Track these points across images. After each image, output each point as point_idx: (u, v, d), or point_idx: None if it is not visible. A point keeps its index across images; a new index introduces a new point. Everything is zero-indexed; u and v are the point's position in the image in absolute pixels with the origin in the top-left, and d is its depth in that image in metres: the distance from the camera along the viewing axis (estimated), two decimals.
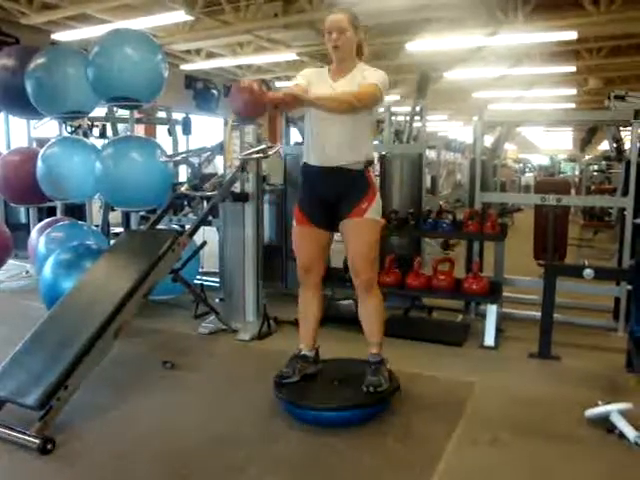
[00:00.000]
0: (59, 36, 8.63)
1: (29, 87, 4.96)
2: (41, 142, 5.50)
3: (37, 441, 2.51)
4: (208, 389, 3.30)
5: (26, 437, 2.55)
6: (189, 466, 2.48)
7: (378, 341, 2.99)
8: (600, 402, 2.83)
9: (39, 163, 5.07)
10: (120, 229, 5.59)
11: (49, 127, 5.99)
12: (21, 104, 5.17)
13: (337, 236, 3.04)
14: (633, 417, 2.73)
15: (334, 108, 2.77)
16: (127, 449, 2.62)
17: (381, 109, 5.48)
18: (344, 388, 2.95)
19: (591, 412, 2.82)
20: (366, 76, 2.84)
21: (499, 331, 4.09)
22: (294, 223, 3.05)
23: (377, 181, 3.10)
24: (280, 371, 3.03)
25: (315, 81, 2.93)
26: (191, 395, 3.22)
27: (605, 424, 2.75)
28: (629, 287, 3.94)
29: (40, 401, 2.61)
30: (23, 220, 7.12)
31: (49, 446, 2.53)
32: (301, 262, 3.05)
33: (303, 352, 3.09)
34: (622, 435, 2.66)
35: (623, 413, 2.74)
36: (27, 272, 6.10)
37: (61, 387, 2.68)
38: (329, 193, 2.91)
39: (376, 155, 6.39)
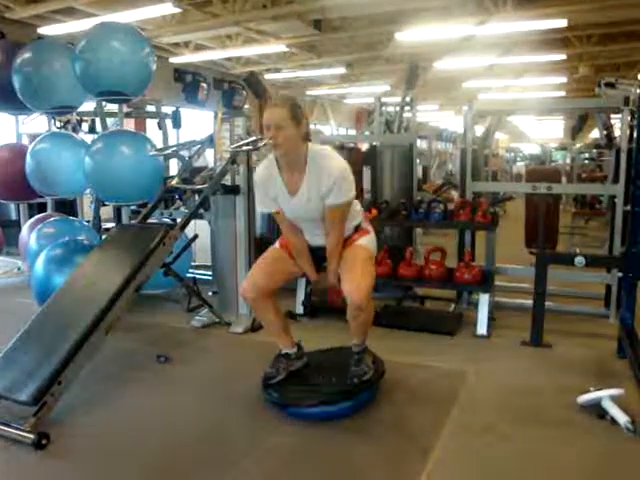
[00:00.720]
0: (45, 30, 8.54)
1: (16, 82, 4.92)
2: (34, 137, 5.46)
3: (32, 436, 2.51)
4: (202, 382, 3.30)
5: (20, 433, 2.55)
6: (182, 460, 2.48)
7: (364, 337, 2.95)
8: (592, 388, 2.86)
9: (28, 159, 5.03)
10: (111, 224, 5.56)
11: (38, 122, 5.95)
12: (9, 99, 5.12)
13: None
14: (624, 403, 2.76)
15: (340, 242, 2.84)
16: (121, 444, 2.62)
17: (371, 99, 5.48)
18: (330, 381, 2.93)
19: (583, 398, 2.84)
20: (327, 192, 2.69)
21: (491, 320, 4.11)
22: (276, 245, 3.03)
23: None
24: (265, 372, 3.01)
25: (277, 196, 2.82)
26: (185, 389, 3.22)
27: (597, 410, 2.77)
28: (620, 274, 3.96)
29: (34, 397, 2.61)
30: (13, 217, 7.08)
31: (44, 441, 2.53)
32: (257, 282, 2.88)
33: (284, 351, 3.05)
34: (613, 420, 2.69)
35: (614, 399, 2.76)
36: (19, 269, 6.08)
37: (54, 383, 2.68)
38: (321, 254, 2.93)
39: (366, 146, 6.42)
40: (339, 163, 2.73)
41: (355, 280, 2.72)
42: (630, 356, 3.31)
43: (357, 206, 2.95)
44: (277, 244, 3.04)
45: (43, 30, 8.52)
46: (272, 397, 2.90)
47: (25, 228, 5.47)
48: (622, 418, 2.66)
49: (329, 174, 2.67)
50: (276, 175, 2.80)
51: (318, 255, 2.96)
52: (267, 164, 2.86)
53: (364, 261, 2.83)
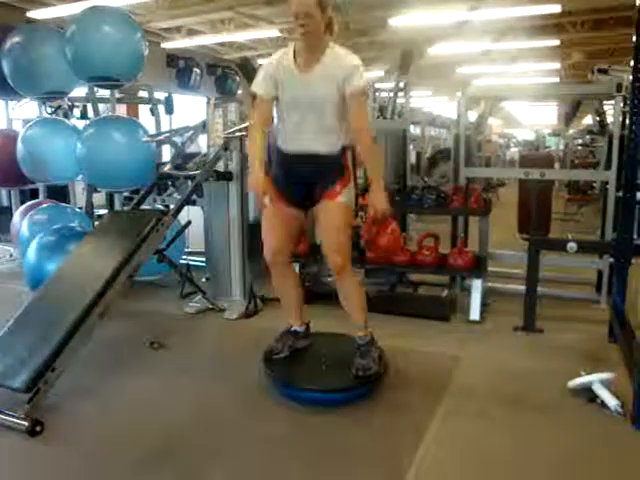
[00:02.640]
0: (34, 14, 8.43)
1: (6, 67, 4.88)
2: (26, 123, 5.42)
3: (25, 423, 2.52)
4: (195, 369, 3.31)
5: (14, 420, 2.56)
6: (176, 446, 2.49)
7: (362, 323, 2.96)
8: (583, 372, 2.89)
9: (19, 145, 5.00)
10: (104, 211, 5.54)
11: (28, 108, 5.90)
12: None
13: None
14: (614, 387, 2.79)
15: (378, 156, 2.79)
16: (115, 430, 2.63)
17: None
18: (333, 367, 2.95)
19: (574, 383, 2.87)
20: (344, 79, 2.66)
21: (484, 305, 4.13)
22: (265, 201, 2.90)
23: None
24: (270, 345, 3.06)
25: (284, 77, 2.77)
26: (178, 375, 3.23)
27: (587, 394, 2.81)
28: (611, 260, 3.99)
29: (27, 384, 2.61)
30: (5, 203, 7.05)
31: (38, 428, 2.54)
32: (271, 245, 2.91)
33: (294, 328, 3.12)
34: (604, 404, 2.72)
35: (605, 383, 2.80)
36: (11, 255, 6.05)
37: (48, 369, 2.68)
38: (305, 175, 2.85)
39: None
40: (357, 58, 2.75)
41: (333, 243, 2.80)
42: (621, 340, 3.35)
43: (349, 136, 2.86)
44: (266, 201, 2.86)
45: (32, 14, 8.41)
46: (271, 373, 2.92)
47: (17, 215, 5.44)
48: (612, 402, 2.69)
49: (346, 60, 2.70)
50: (290, 59, 2.77)
51: (302, 172, 2.84)
52: (281, 53, 2.84)
53: (344, 225, 2.83)
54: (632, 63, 3.36)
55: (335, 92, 2.70)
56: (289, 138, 2.85)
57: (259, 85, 2.82)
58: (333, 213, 2.83)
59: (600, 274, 4.40)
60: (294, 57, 2.77)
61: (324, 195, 2.82)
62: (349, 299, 2.93)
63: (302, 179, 2.87)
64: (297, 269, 4.46)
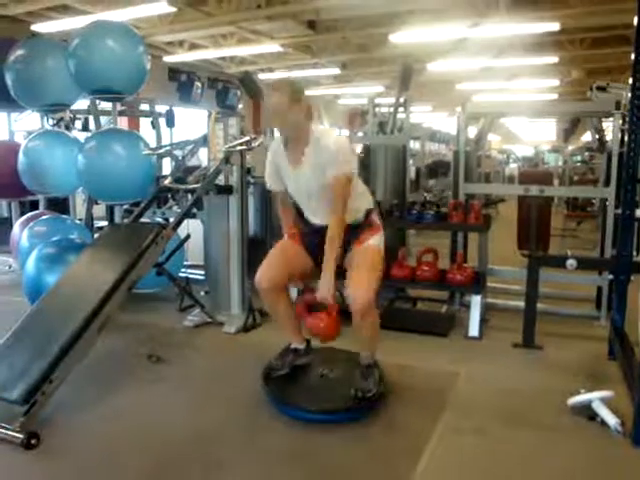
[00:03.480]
0: (39, 27, 8.50)
1: (9, 79, 4.90)
2: (29, 135, 5.43)
3: (21, 436, 2.50)
4: (194, 382, 3.29)
5: (10, 432, 2.54)
6: (174, 460, 2.48)
7: (372, 349, 2.93)
8: (582, 390, 2.88)
9: (21, 156, 5.01)
10: (104, 223, 5.54)
11: (31, 120, 5.92)
12: (2, 97, 5.09)
13: None
14: (614, 405, 2.78)
15: (339, 233, 2.70)
16: (112, 444, 2.62)
17: (364, 100, 5.48)
18: (333, 386, 2.94)
19: (573, 400, 2.86)
20: (327, 162, 2.68)
21: (483, 321, 4.12)
22: (285, 237, 3.04)
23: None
24: (270, 362, 3.04)
25: (282, 172, 2.91)
26: (177, 389, 3.21)
27: (587, 412, 2.79)
28: (611, 277, 3.98)
29: (24, 396, 2.60)
30: (5, 214, 7.05)
31: (33, 441, 2.52)
32: (262, 271, 2.88)
33: (294, 345, 3.10)
34: (603, 422, 2.70)
35: (604, 401, 2.78)
36: (10, 267, 6.04)
37: (45, 381, 2.67)
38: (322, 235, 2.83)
39: (360, 147, 6.42)
40: (339, 139, 2.82)
41: (361, 283, 2.67)
42: (620, 358, 3.33)
43: (361, 188, 2.92)
44: (285, 236, 3.05)
45: (37, 27, 8.48)
46: (271, 392, 2.91)
47: (17, 226, 5.44)
48: (612, 420, 2.67)
49: (328, 146, 2.71)
50: (282, 150, 2.87)
51: (320, 239, 2.81)
52: (277, 141, 2.93)
53: (374, 266, 2.79)
54: (630, 81, 3.38)
55: (327, 178, 2.73)
56: (311, 215, 2.94)
57: (270, 181, 3.01)
58: (360, 254, 2.82)
59: (600, 291, 4.39)
60: (284, 145, 2.85)
61: (355, 242, 2.84)
62: (366, 334, 2.83)
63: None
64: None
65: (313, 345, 3.19)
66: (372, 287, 2.68)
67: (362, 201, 2.91)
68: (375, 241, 2.86)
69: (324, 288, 2.68)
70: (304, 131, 2.76)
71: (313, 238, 2.90)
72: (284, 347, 3.11)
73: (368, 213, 2.90)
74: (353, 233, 2.84)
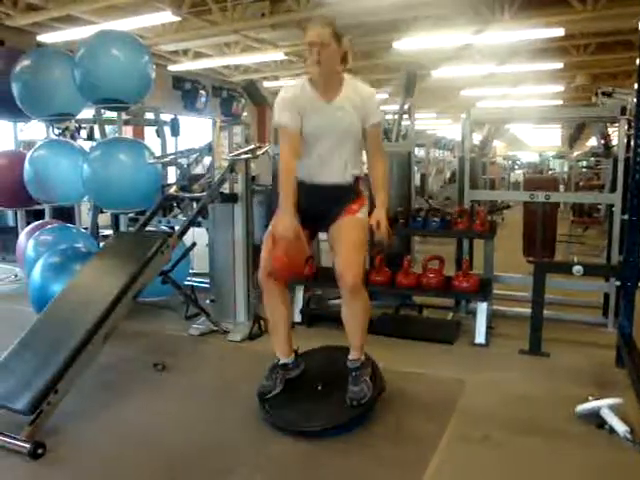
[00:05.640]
0: (45, 38, 8.57)
1: (15, 89, 4.93)
2: (29, 145, 5.46)
3: (27, 446, 2.50)
4: (199, 391, 3.29)
5: (16, 442, 2.53)
6: (178, 469, 2.47)
7: (360, 344, 2.88)
8: (590, 398, 2.85)
9: (26, 166, 5.03)
10: (109, 231, 5.55)
11: (36, 129, 5.95)
12: (7, 107, 5.13)
13: (323, 235, 3.01)
14: (623, 412, 2.75)
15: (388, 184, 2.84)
16: (117, 453, 2.61)
17: None
18: (328, 396, 2.88)
19: (581, 408, 2.84)
20: (365, 110, 2.75)
21: (489, 328, 4.10)
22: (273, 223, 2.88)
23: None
24: (262, 385, 2.93)
25: (306, 107, 2.76)
26: (182, 397, 3.21)
27: (596, 420, 2.77)
28: (618, 283, 3.96)
29: (30, 405, 2.59)
30: (11, 223, 7.07)
31: (40, 451, 2.51)
32: (267, 263, 2.82)
33: (282, 361, 2.97)
34: (612, 430, 2.68)
35: (613, 408, 2.76)
36: (16, 276, 6.06)
37: (51, 391, 2.66)
38: (320, 204, 2.83)
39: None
40: (372, 89, 2.87)
41: (350, 259, 2.73)
42: (628, 365, 3.31)
43: (360, 156, 2.94)
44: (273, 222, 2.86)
45: (42, 38, 8.56)
46: (269, 417, 2.83)
47: (23, 235, 5.46)
48: (621, 428, 2.65)
49: (365, 92, 2.78)
50: (310, 90, 2.77)
51: (320, 200, 2.82)
52: (296, 85, 2.83)
53: (361, 241, 2.84)
54: (636, 86, 3.37)
55: (357, 122, 2.77)
56: (312, 173, 2.85)
57: (286, 117, 2.76)
58: (350, 228, 2.81)
59: (607, 297, 4.36)
60: (312, 86, 2.78)
61: (342, 212, 2.82)
62: (355, 319, 2.83)
63: (316, 206, 2.84)
64: (301, 293, 4.47)
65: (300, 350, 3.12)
66: (361, 265, 2.81)
67: (359, 165, 2.91)
68: (362, 214, 2.86)
69: (384, 218, 2.77)
70: (338, 74, 2.75)
71: (308, 212, 2.81)
72: (271, 365, 2.99)
73: (357, 179, 2.89)
74: (342, 200, 2.83)
